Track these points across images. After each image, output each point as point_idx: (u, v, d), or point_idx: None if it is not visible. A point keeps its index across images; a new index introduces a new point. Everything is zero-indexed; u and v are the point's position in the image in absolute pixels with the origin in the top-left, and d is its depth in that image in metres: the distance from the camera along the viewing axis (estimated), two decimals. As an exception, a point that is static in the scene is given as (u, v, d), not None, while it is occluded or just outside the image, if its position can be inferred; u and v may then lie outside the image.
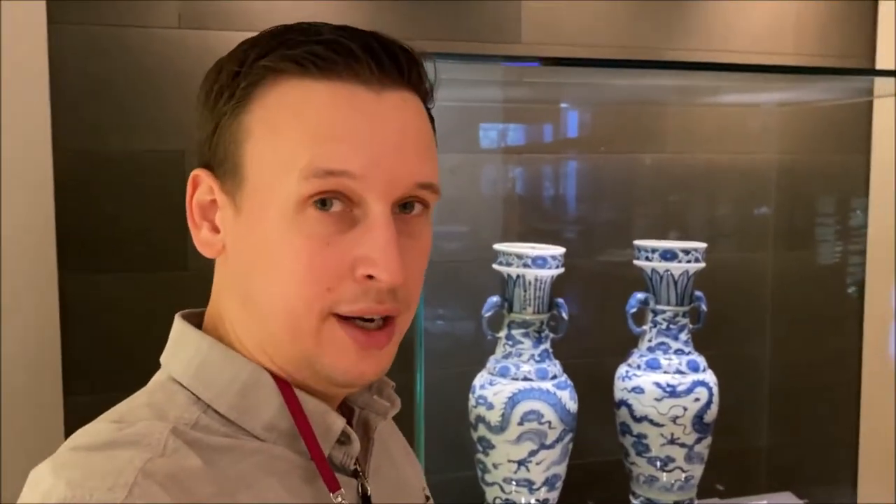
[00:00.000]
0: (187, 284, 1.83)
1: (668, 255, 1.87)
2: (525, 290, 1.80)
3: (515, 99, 2.23)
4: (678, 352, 1.91)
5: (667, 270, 1.88)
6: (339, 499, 0.75)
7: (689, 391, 1.87)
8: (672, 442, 1.88)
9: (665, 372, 1.89)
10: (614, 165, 2.24)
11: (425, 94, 0.79)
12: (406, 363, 1.72)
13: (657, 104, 2.27)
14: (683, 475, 1.91)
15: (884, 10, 2.34)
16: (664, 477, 1.91)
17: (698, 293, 1.94)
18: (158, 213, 1.83)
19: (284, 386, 0.76)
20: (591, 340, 2.16)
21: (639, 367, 1.92)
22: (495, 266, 1.83)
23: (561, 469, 1.84)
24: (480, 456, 1.85)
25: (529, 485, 1.81)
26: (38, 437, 1.74)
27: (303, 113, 0.72)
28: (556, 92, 2.21)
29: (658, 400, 1.87)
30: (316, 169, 0.70)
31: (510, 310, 1.83)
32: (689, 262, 1.87)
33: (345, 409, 0.85)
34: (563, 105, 2.22)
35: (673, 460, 1.90)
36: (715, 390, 1.90)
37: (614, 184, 2.26)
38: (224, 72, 0.75)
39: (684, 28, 2.21)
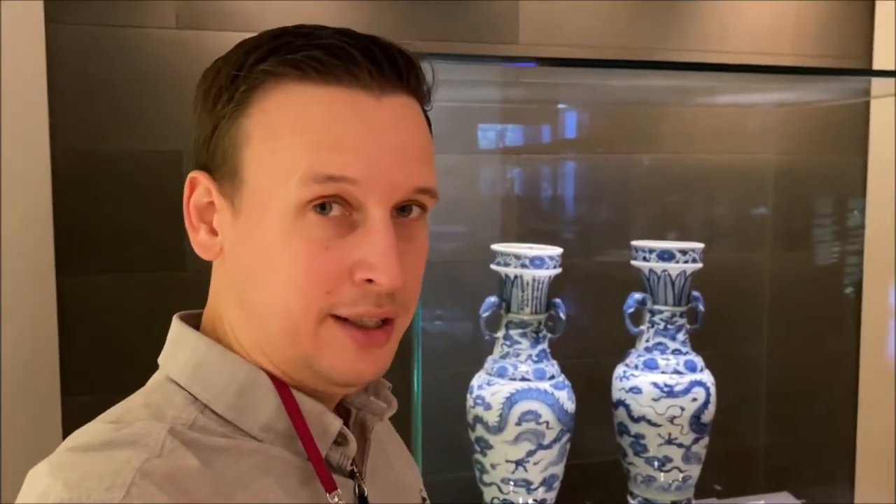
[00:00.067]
0: (185, 285, 1.83)
1: (666, 256, 1.87)
2: (523, 291, 1.80)
3: (513, 99, 2.23)
4: (676, 352, 1.91)
5: (664, 271, 1.88)
6: (336, 499, 0.75)
7: (686, 391, 1.87)
8: (670, 442, 1.88)
9: (663, 372, 1.89)
10: (612, 166, 2.24)
11: (423, 98, 0.79)
12: (404, 363, 1.72)
13: (655, 105, 2.27)
14: (681, 475, 1.91)
15: (881, 10, 2.34)
16: (662, 477, 1.91)
17: (696, 293, 1.94)
18: (156, 214, 1.83)
19: (282, 386, 0.76)
20: (588, 341, 2.16)
21: (636, 367, 1.92)
22: (493, 266, 1.83)
23: (559, 469, 1.84)
24: (478, 456, 1.85)
25: (527, 485, 1.81)
26: (36, 437, 1.74)
27: (303, 118, 0.72)
28: (553, 92, 2.21)
29: (655, 400, 1.87)
30: (316, 174, 0.70)
31: (508, 310, 1.83)
32: (686, 262, 1.87)
33: (342, 410, 0.85)
34: (560, 106, 2.22)
35: (670, 460, 1.90)
36: (712, 390, 1.91)
37: (612, 184, 2.26)
38: (222, 73, 0.75)
39: (682, 29, 2.21)
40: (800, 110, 2.38)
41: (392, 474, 0.91)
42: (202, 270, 0.84)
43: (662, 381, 1.88)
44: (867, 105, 2.39)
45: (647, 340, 1.93)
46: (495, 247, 1.84)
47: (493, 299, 1.85)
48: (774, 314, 2.40)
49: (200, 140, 0.77)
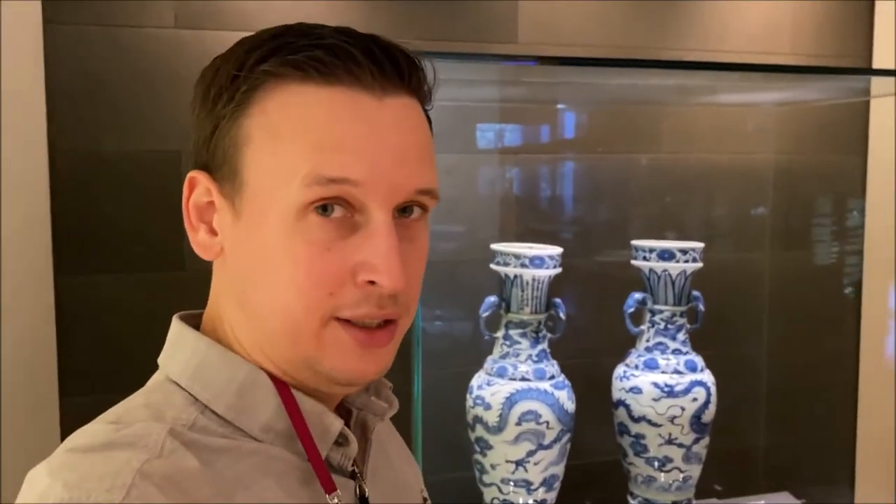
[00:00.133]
0: (185, 285, 1.83)
1: (666, 255, 1.87)
2: (522, 291, 1.80)
3: (512, 99, 2.23)
4: (676, 352, 1.91)
5: (664, 270, 1.88)
6: (336, 500, 0.75)
7: (686, 391, 1.87)
8: (670, 442, 1.88)
9: (663, 372, 1.89)
10: (611, 165, 2.24)
11: (424, 98, 0.79)
12: (403, 363, 1.71)
13: (654, 104, 2.27)
14: (681, 475, 1.91)
15: (881, 9, 2.34)
16: (662, 477, 1.91)
17: (696, 293, 1.94)
18: (155, 214, 1.83)
19: (282, 387, 0.76)
20: (588, 340, 2.16)
21: (636, 367, 1.92)
22: (493, 266, 1.83)
23: (559, 469, 1.84)
24: (478, 456, 1.85)
25: (527, 485, 1.81)
26: (34, 438, 1.73)
27: (304, 120, 0.71)
28: (552, 92, 2.21)
29: (656, 400, 1.87)
30: (318, 176, 0.70)
31: (508, 310, 1.83)
32: (686, 261, 1.87)
33: (342, 410, 0.85)
34: (559, 105, 2.22)
35: (671, 460, 1.90)
36: (713, 390, 1.90)
37: (612, 184, 2.26)
38: (222, 73, 0.74)
39: (680, 28, 2.21)
40: (799, 110, 2.37)
41: (393, 474, 0.90)
42: (201, 270, 0.84)
43: (663, 380, 1.87)
44: (867, 104, 2.39)
45: (648, 340, 1.93)
46: (495, 246, 1.84)
47: (492, 299, 1.85)
48: (774, 314, 2.40)
49: (200, 140, 0.77)
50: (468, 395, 1.85)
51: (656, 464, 1.90)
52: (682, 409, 1.87)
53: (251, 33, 0.76)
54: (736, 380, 2.23)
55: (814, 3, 2.32)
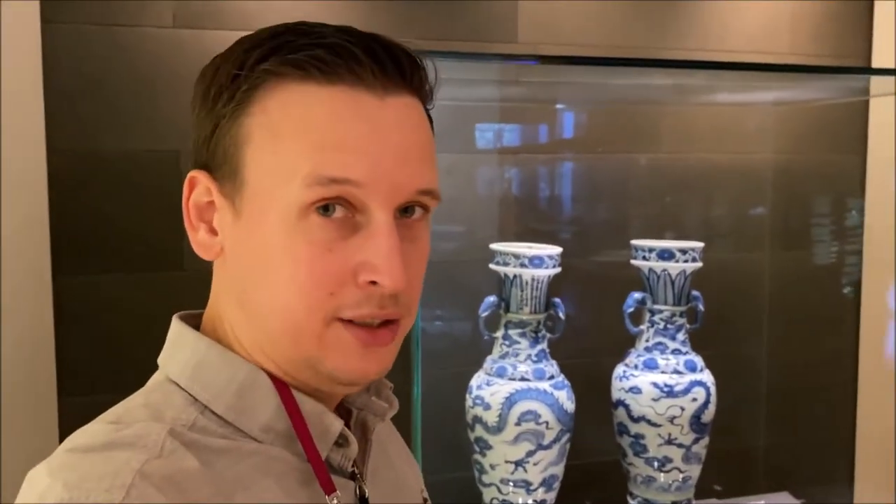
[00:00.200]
0: (184, 284, 1.83)
1: (666, 255, 1.87)
2: (522, 290, 1.80)
3: (512, 98, 2.23)
4: (675, 352, 1.90)
5: (664, 270, 1.87)
6: (336, 501, 0.75)
7: (686, 391, 1.87)
8: (669, 442, 1.88)
9: (662, 372, 1.88)
10: (611, 165, 2.24)
11: (426, 97, 0.78)
12: (403, 363, 1.71)
13: (653, 104, 2.27)
14: (681, 475, 1.91)
15: (880, 9, 2.34)
16: (662, 477, 1.91)
17: (695, 293, 1.94)
18: (154, 213, 1.82)
19: (282, 387, 0.76)
20: (588, 340, 2.15)
21: (636, 367, 1.92)
22: (492, 266, 1.83)
23: (558, 469, 1.84)
24: (477, 457, 1.84)
25: (527, 485, 1.80)
26: (33, 438, 1.73)
27: (305, 119, 0.71)
28: (552, 92, 2.21)
29: (655, 400, 1.87)
30: (319, 176, 0.70)
31: (507, 310, 1.83)
32: (686, 261, 1.86)
33: (342, 410, 0.85)
34: (559, 105, 2.22)
35: (670, 460, 1.89)
36: (712, 390, 1.90)
37: (611, 184, 2.26)
38: (222, 72, 0.74)
39: (680, 28, 2.21)
40: (798, 109, 2.37)
41: (393, 475, 0.90)
42: (201, 270, 0.84)
43: (662, 380, 1.87)
44: (866, 104, 2.39)
45: (647, 340, 1.93)
46: (494, 246, 1.84)
47: (492, 299, 1.84)
48: (774, 314, 2.40)
49: (200, 139, 0.76)
50: (468, 395, 1.85)
51: (656, 464, 1.90)
52: (682, 409, 1.86)
53: (251, 32, 0.75)
54: (735, 380, 2.23)
55: (813, 2, 2.32)
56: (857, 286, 2.45)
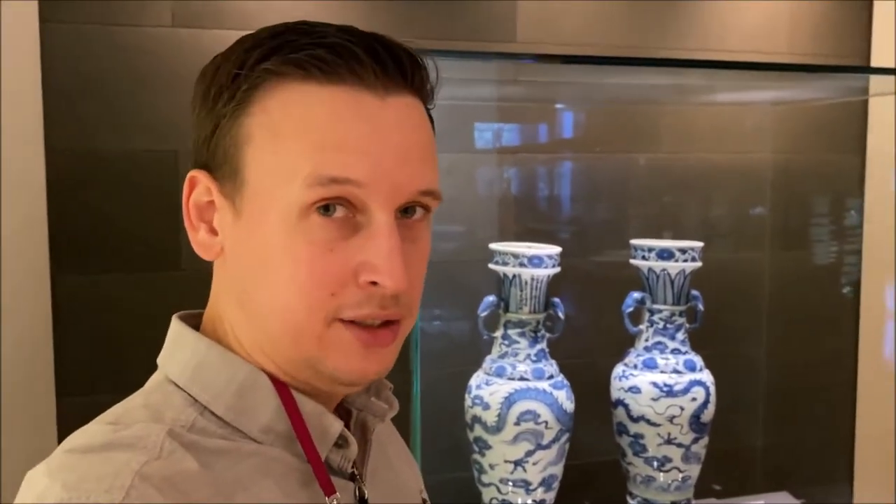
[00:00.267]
0: (182, 284, 1.83)
1: (665, 255, 1.87)
2: (521, 290, 1.80)
3: (511, 98, 2.23)
4: (675, 351, 1.90)
5: (663, 270, 1.87)
6: (336, 503, 0.74)
7: (685, 391, 1.87)
8: (669, 442, 1.88)
9: (662, 371, 1.88)
10: (610, 165, 2.24)
11: (427, 97, 0.78)
12: (402, 363, 1.71)
13: (652, 104, 2.27)
14: (680, 475, 1.91)
15: (879, 8, 2.34)
16: (661, 477, 1.91)
17: (695, 292, 1.94)
18: (153, 213, 1.82)
19: (282, 388, 0.75)
20: (587, 340, 2.15)
21: (635, 366, 1.91)
22: (491, 266, 1.83)
23: (557, 469, 1.83)
24: (477, 456, 1.84)
25: (526, 485, 1.80)
26: (32, 438, 1.73)
27: (306, 119, 0.71)
28: (551, 91, 2.21)
29: (655, 399, 1.86)
30: (320, 177, 0.70)
31: (506, 309, 1.83)
32: (685, 261, 1.86)
33: (342, 410, 0.85)
34: (558, 105, 2.22)
35: (670, 460, 1.89)
36: (712, 390, 1.90)
37: (610, 183, 2.26)
38: (222, 71, 0.74)
39: (679, 28, 2.21)
40: (797, 108, 2.37)
41: (393, 476, 0.90)
42: (200, 270, 0.84)
43: (662, 380, 1.87)
44: (865, 103, 2.39)
45: (647, 340, 1.93)
46: (493, 246, 1.84)
47: (491, 299, 1.84)
48: (773, 314, 2.40)
49: (200, 139, 0.76)
50: (467, 395, 1.85)
51: (655, 463, 1.90)
52: (681, 408, 1.86)
53: (250, 32, 0.75)
54: (735, 379, 2.23)
55: (812, 2, 2.32)
56: (856, 286, 2.45)
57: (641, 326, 1.94)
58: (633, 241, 1.92)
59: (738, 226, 2.39)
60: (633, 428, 1.90)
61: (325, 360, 0.73)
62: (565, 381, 1.84)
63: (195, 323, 0.81)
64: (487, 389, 1.80)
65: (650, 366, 1.90)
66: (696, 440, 1.89)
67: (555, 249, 1.81)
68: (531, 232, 2.16)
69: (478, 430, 1.81)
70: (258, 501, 0.71)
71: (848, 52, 2.35)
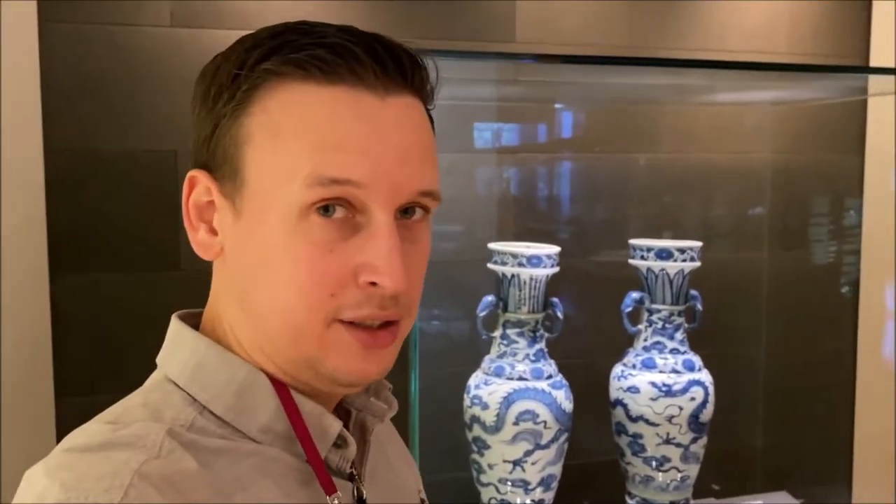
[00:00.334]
0: (182, 284, 1.83)
1: (664, 254, 1.87)
2: (520, 290, 1.80)
3: (511, 98, 2.23)
4: (674, 351, 1.90)
5: (662, 269, 1.87)
6: (336, 502, 0.75)
7: (684, 391, 1.87)
8: (668, 442, 1.88)
9: (661, 371, 1.88)
10: (609, 165, 2.24)
11: (427, 97, 0.78)
12: (401, 363, 1.71)
13: (652, 104, 2.27)
14: (679, 475, 1.91)
15: (878, 8, 2.34)
16: (660, 477, 1.91)
17: (694, 292, 1.94)
18: (152, 213, 1.82)
19: (281, 388, 0.76)
20: (586, 340, 2.15)
21: (634, 366, 1.91)
22: (490, 265, 1.83)
23: (556, 469, 1.83)
24: (475, 456, 1.84)
25: (525, 485, 1.80)
26: (31, 438, 1.73)
27: (306, 119, 0.71)
28: (550, 91, 2.21)
29: (654, 399, 1.87)
30: (320, 177, 0.70)
31: (505, 309, 1.83)
32: (684, 261, 1.86)
33: (341, 411, 0.85)
34: (557, 105, 2.22)
35: (669, 460, 1.89)
36: (711, 390, 1.90)
37: (609, 183, 2.26)
38: (222, 71, 0.74)
39: (678, 28, 2.21)
40: (796, 108, 2.37)
41: (392, 476, 0.90)
42: (199, 270, 0.84)
43: (660, 380, 1.87)
44: (864, 103, 2.39)
45: (645, 339, 1.93)
46: (492, 245, 1.84)
47: (490, 298, 1.84)
48: (772, 313, 2.40)
49: (200, 139, 0.76)
50: (465, 395, 1.85)
51: (654, 463, 1.90)
52: (680, 408, 1.86)
53: (250, 32, 0.75)
54: (734, 379, 2.23)
55: (811, 2, 2.32)
56: (855, 286, 2.44)
57: (640, 326, 1.94)
58: (632, 241, 1.92)
59: (737, 226, 2.39)
60: (632, 428, 1.90)
61: (324, 361, 0.73)
62: (564, 381, 1.84)
63: (195, 322, 0.81)
64: (486, 389, 1.80)
65: (649, 366, 1.90)
66: (694, 440, 1.89)
67: (554, 249, 1.81)
68: (530, 232, 2.16)
69: (476, 430, 1.81)
70: (257, 501, 0.71)
71: (848, 52, 2.35)
